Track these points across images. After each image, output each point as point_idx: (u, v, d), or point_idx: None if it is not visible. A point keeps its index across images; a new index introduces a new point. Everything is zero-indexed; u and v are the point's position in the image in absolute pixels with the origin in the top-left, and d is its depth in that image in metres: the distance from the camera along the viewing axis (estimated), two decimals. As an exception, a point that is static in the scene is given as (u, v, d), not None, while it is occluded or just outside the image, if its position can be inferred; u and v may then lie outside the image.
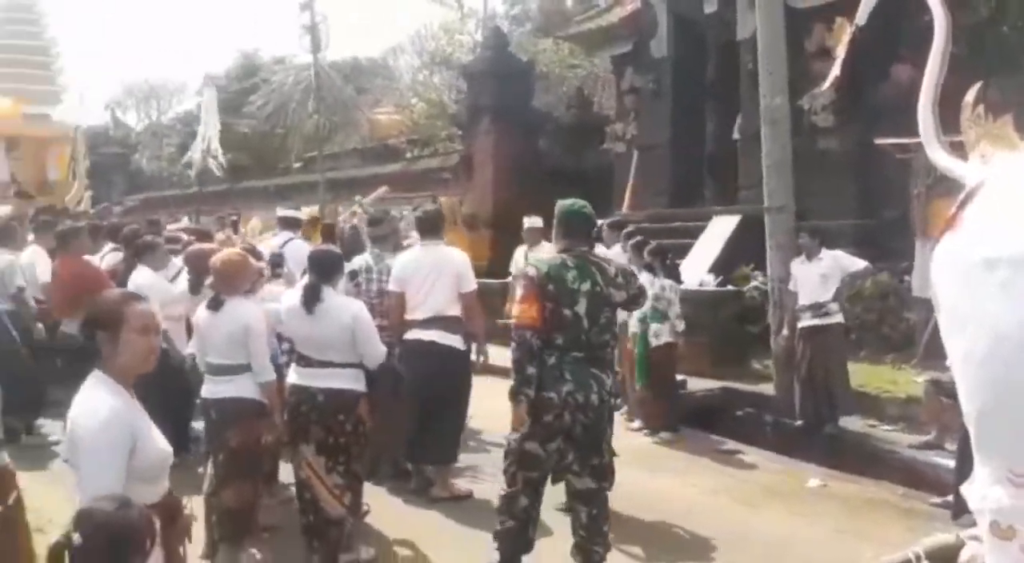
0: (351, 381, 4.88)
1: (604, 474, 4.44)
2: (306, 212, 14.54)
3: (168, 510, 2.71)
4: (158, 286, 6.43)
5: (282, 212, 9.00)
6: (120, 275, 7.21)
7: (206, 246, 6.59)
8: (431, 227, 6.46)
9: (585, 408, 4.28)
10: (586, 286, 4.32)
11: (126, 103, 41.01)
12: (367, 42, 52.36)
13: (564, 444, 4.32)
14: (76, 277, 7.41)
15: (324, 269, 4.97)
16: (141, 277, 6.62)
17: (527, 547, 4.52)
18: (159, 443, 2.71)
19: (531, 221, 8.78)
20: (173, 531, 2.72)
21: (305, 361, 4.91)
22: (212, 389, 4.87)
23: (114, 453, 2.54)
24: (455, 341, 6.19)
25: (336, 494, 4.79)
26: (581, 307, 4.29)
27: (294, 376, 4.96)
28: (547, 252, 6.23)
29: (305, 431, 4.82)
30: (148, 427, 2.69)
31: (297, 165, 23.32)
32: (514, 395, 4.34)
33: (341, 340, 4.84)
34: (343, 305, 4.96)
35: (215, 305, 4.84)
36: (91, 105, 21.70)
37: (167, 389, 5.27)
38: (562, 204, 4.65)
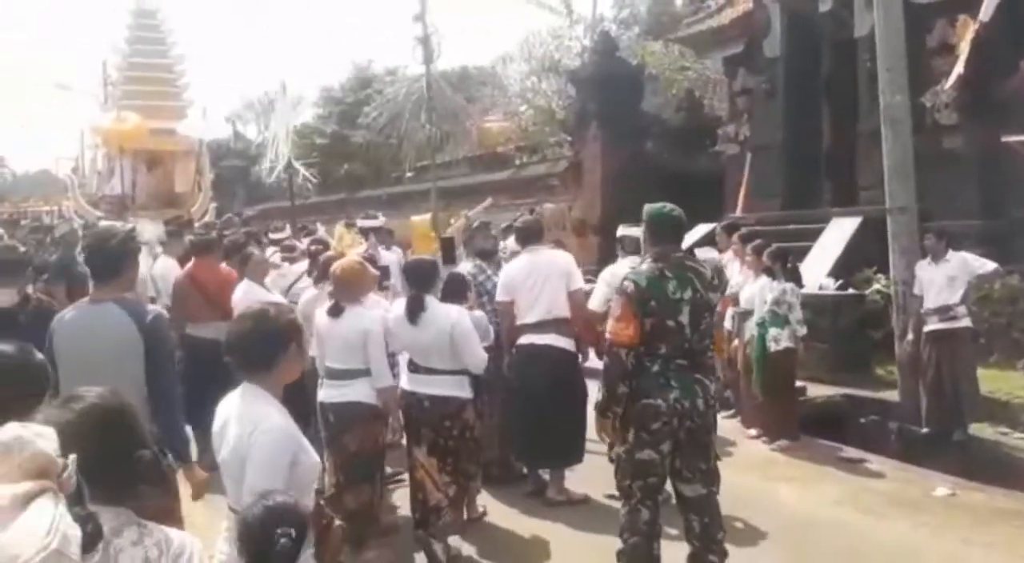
0: (455, 388, 5.01)
1: (712, 479, 4.39)
2: (416, 221, 14.87)
3: (320, 518, 2.80)
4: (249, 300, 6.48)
5: (362, 223, 9.15)
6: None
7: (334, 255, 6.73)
8: (530, 234, 6.53)
9: (692, 414, 4.24)
10: (687, 294, 4.23)
11: (246, 116, 42.53)
12: (476, 51, 53.07)
13: (672, 450, 4.28)
14: (213, 282, 7.32)
15: (423, 279, 5.13)
16: (239, 290, 6.54)
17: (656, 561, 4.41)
18: (313, 456, 2.79)
19: (626, 230, 7.27)
20: (327, 540, 2.82)
21: (413, 367, 5.09)
22: (330, 393, 5.00)
23: (284, 469, 2.64)
24: (568, 343, 6.22)
25: (442, 488, 4.96)
26: (684, 317, 4.21)
27: (405, 382, 5.12)
28: (624, 266, 6.16)
29: (417, 434, 5.02)
30: (303, 440, 2.77)
31: (409, 174, 23.74)
32: (602, 411, 4.33)
33: (442, 347, 4.97)
34: (444, 313, 5.05)
35: (335, 312, 4.97)
36: (213, 119, 22.72)
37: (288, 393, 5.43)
38: (649, 208, 4.49)
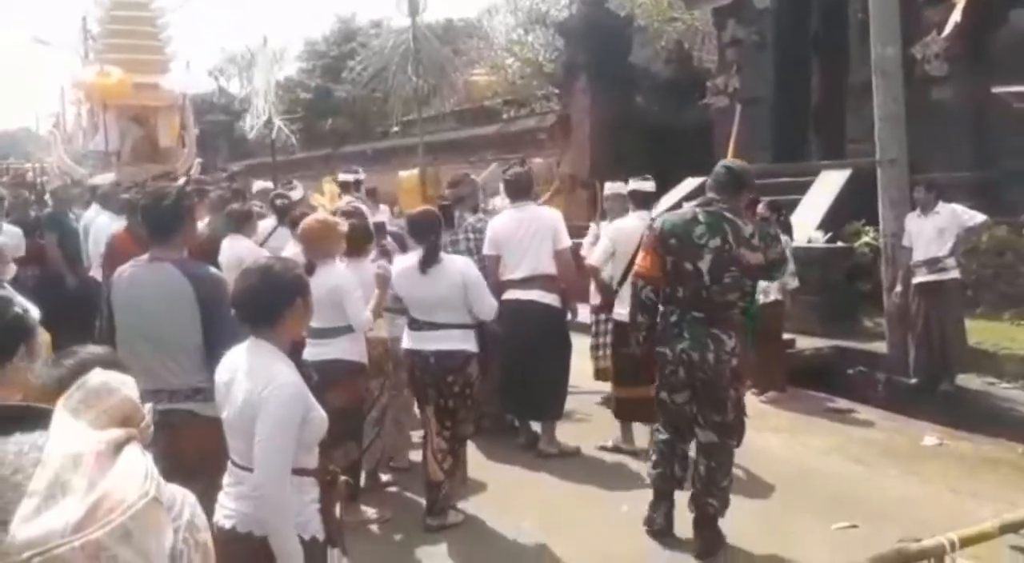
0: (461, 341, 4.98)
1: (728, 431, 4.52)
2: (404, 176, 14.78)
3: (325, 474, 2.84)
4: (257, 255, 6.42)
5: (342, 176, 9.02)
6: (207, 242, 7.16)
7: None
8: (521, 188, 6.50)
9: (700, 365, 4.37)
10: (715, 242, 4.33)
11: (229, 71, 41.99)
12: (461, 2, 52.34)
13: (690, 397, 4.49)
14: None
15: (431, 229, 5.04)
16: (241, 246, 6.48)
17: (673, 483, 4.70)
18: (320, 411, 2.78)
19: (613, 187, 7.16)
20: (331, 495, 2.84)
21: (416, 324, 5.03)
22: (312, 351, 4.88)
23: (295, 425, 2.65)
24: (553, 300, 6.24)
25: (438, 459, 4.93)
26: (704, 263, 4.33)
27: (407, 340, 5.07)
28: (633, 219, 6.21)
29: (424, 394, 5.02)
30: (311, 396, 2.77)
31: (396, 129, 23.58)
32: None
33: (452, 299, 4.93)
34: (448, 263, 5.03)
35: (308, 270, 4.88)
36: (197, 73, 22.38)
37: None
38: (721, 162, 4.81)
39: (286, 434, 2.63)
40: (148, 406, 0.69)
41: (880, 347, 8.40)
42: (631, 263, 5.85)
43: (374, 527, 5.00)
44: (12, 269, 5.32)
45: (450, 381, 4.93)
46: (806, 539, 4.72)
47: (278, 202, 7.76)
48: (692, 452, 4.69)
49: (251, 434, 2.67)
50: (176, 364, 3.66)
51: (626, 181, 6.73)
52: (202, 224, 7.72)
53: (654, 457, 4.75)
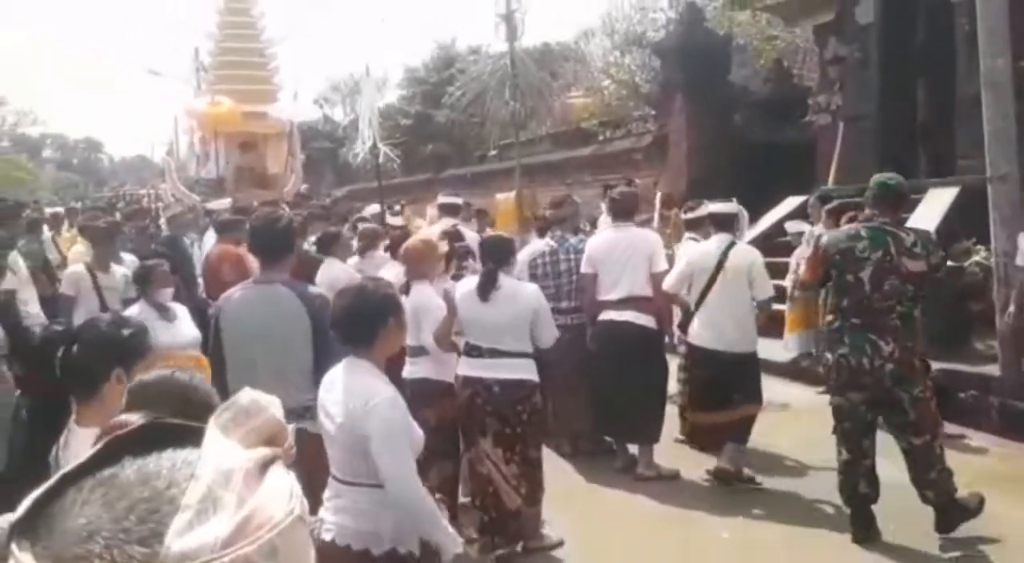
0: (525, 371, 4.86)
1: (917, 431, 4.78)
2: (499, 199, 14.92)
3: None
4: (352, 277, 6.48)
5: (442, 199, 9.13)
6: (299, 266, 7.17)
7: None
8: (624, 209, 6.51)
9: (857, 370, 4.70)
10: (876, 255, 4.68)
11: (333, 99, 43.14)
12: (558, 27, 52.67)
13: (866, 399, 4.80)
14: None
15: (499, 255, 4.96)
16: (335, 268, 6.59)
17: (865, 500, 4.94)
18: (417, 429, 2.92)
19: (720, 207, 6.48)
20: None
21: (477, 351, 4.87)
22: (408, 370, 4.97)
23: (406, 431, 2.80)
24: (648, 321, 6.21)
25: (513, 485, 4.81)
26: (865, 273, 4.67)
27: (464, 367, 4.91)
28: (714, 243, 6.22)
29: (482, 424, 4.79)
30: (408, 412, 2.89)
31: (493, 152, 23.82)
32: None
33: (515, 326, 4.81)
34: (518, 290, 4.94)
35: (404, 290, 4.90)
36: (303, 102, 23.15)
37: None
38: (875, 178, 5.06)
39: (403, 439, 2.76)
40: (291, 426, 0.73)
41: (993, 370, 8.06)
42: (708, 287, 5.87)
43: (471, 548, 5.02)
44: (170, 292, 5.55)
45: (519, 410, 4.81)
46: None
47: (359, 225, 7.96)
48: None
49: (353, 448, 2.78)
50: (288, 383, 3.75)
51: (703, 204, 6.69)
52: None
53: (839, 478, 4.99)
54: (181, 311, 5.30)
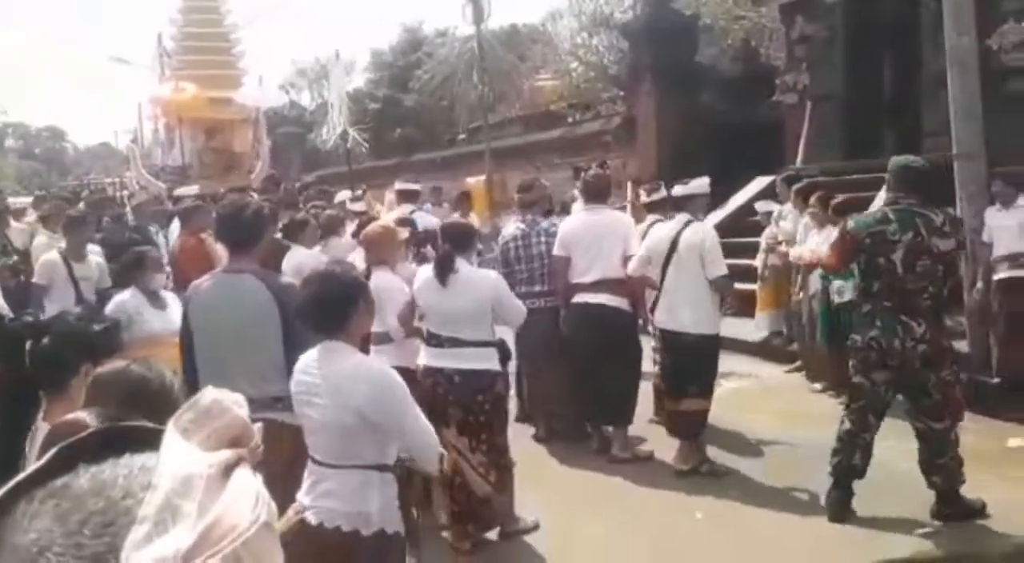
0: (485, 361, 4.79)
1: (938, 415, 4.83)
2: (470, 183, 14.88)
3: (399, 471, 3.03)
4: (317, 263, 6.28)
5: (400, 185, 9.08)
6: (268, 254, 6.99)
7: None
8: (597, 192, 6.49)
9: (888, 352, 4.73)
10: (907, 237, 4.69)
11: (299, 84, 42.71)
12: (525, 8, 52.51)
13: (889, 380, 4.84)
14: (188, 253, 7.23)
15: (457, 240, 4.88)
16: (300, 255, 6.49)
17: (852, 472, 4.99)
18: None
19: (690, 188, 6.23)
20: (407, 492, 3.04)
21: (436, 340, 4.80)
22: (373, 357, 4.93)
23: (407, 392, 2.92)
24: (622, 303, 6.21)
25: (482, 473, 4.76)
26: (897, 256, 4.69)
27: (425, 357, 4.84)
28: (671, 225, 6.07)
29: (444, 413, 4.68)
30: None
31: (462, 136, 23.73)
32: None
33: (474, 315, 4.73)
34: (476, 277, 4.85)
35: (366, 275, 4.91)
36: (268, 87, 22.86)
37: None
38: (895, 160, 5.07)
39: (413, 409, 2.86)
40: (258, 425, 0.69)
41: (961, 346, 8.12)
42: (664, 268, 5.85)
43: (445, 533, 4.99)
44: (162, 278, 5.45)
45: (480, 400, 4.75)
46: (893, 542, 4.63)
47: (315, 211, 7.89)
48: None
49: (342, 428, 2.81)
50: (257, 374, 3.71)
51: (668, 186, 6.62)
52: None
53: (835, 445, 5.02)
54: (171, 298, 5.21)
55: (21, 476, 0.62)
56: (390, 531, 2.83)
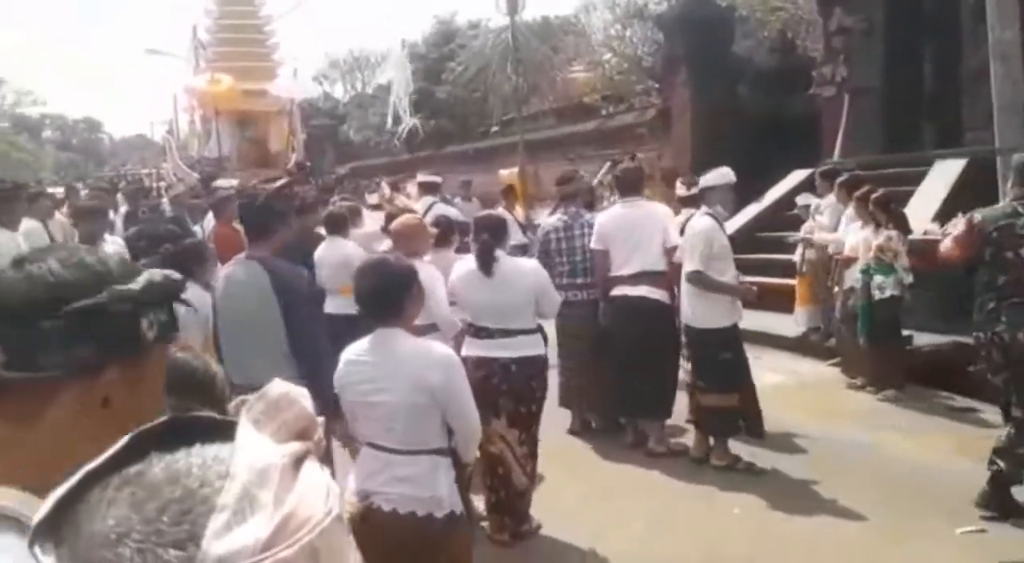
0: (538, 347, 4.83)
1: None
2: (503, 175, 14.87)
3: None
4: (361, 255, 6.32)
5: (421, 177, 9.12)
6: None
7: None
8: (631, 184, 6.45)
9: (1012, 345, 4.71)
10: None
11: (332, 76, 42.96)
12: (559, 0, 52.30)
13: (1008, 379, 4.85)
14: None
15: (494, 231, 4.86)
16: (346, 247, 6.47)
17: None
18: None
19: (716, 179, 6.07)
20: (463, 473, 3.24)
21: (486, 332, 4.78)
22: None
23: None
24: (662, 296, 6.17)
25: (522, 464, 4.80)
26: None
27: (476, 349, 4.80)
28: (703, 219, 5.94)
29: (495, 405, 4.66)
30: None
31: (495, 128, 23.70)
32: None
33: (520, 305, 4.74)
34: (518, 267, 4.86)
35: None
36: (302, 79, 22.89)
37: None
38: (1019, 156, 5.08)
39: (468, 387, 3.03)
40: (322, 418, 0.70)
41: (1003, 343, 8.04)
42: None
43: (484, 523, 4.99)
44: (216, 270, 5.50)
45: (533, 387, 4.81)
46: (929, 544, 4.57)
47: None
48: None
49: (415, 412, 2.91)
50: (264, 359, 3.79)
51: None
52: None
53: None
54: None
55: (93, 463, 0.63)
56: (458, 512, 2.96)
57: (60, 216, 9.44)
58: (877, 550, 4.59)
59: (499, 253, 4.76)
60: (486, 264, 4.71)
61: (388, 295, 2.98)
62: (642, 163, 7.70)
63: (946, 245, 5.14)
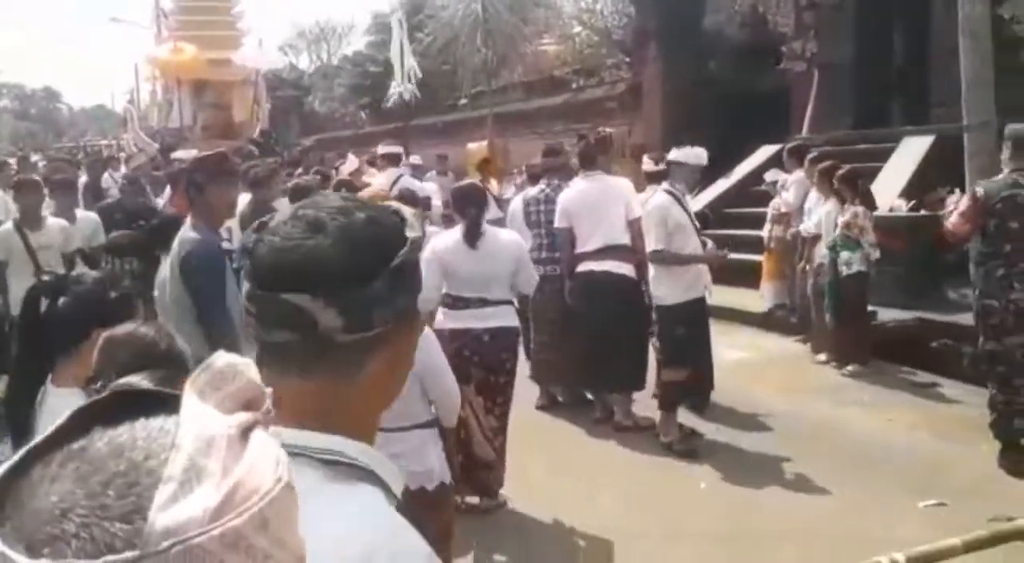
0: (510, 318, 4.89)
1: None
2: (473, 149, 14.76)
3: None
4: None
5: (383, 149, 9.04)
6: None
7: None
8: (591, 158, 6.41)
9: None
10: None
11: (298, 46, 42.39)
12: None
13: (1020, 347, 5.03)
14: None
15: (473, 203, 4.84)
16: None
17: (1016, 433, 5.19)
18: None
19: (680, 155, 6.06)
20: (449, 442, 3.37)
21: (463, 303, 4.78)
22: None
23: None
24: (628, 270, 6.14)
25: (489, 437, 4.81)
26: None
27: (450, 320, 4.79)
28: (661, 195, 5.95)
29: (466, 373, 4.62)
30: None
31: (464, 101, 23.50)
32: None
33: (501, 275, 4.77)
34: (500, 238, 4.90)
35: None
36: (268, 49, 22.41)
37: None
38: (1014, 128, 5.37)
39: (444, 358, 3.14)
40: (269, 390, 0.66)
41: (966, 319, 8.06)
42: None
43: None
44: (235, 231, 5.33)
45: (504, 358, 4.84)
46: (892, 517, 4.59)
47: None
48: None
49: (408, 392, 2.87)
50: (181, 333, 3.67)
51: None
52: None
53: (993, 415, 5.27)
54: None
55: (36, 440, 0.61)
56: (448, 483, 3.02)
57: None
58: (841, 523, 4.60)
59: (484, 225, 4.79)
60: (473, 237, 4.73)
61: None
62: (610, 137, 7.60)
63: (953, 221, 5.34)
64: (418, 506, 2.88)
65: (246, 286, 1.07)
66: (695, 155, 5.98)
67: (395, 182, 7.93)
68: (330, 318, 1.02)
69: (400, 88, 15.42)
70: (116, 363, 1.88)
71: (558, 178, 6.71)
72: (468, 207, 4.81)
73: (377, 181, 8.30)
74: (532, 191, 6.89)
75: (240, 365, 0.67)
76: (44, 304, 2.48)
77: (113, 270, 5.84)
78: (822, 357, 7.67)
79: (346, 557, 0.95)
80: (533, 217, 6.56)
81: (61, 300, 2.47)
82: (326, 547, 0.81)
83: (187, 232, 3.85)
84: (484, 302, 4.77)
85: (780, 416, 6.30)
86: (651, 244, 5.76)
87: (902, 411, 6.42)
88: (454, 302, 4.84)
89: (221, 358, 0.67)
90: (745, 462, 5.51)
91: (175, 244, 3.80)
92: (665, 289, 5.81)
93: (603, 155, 6.59)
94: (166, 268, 3.93)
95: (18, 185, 6.45)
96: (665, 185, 5.93)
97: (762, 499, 4.96)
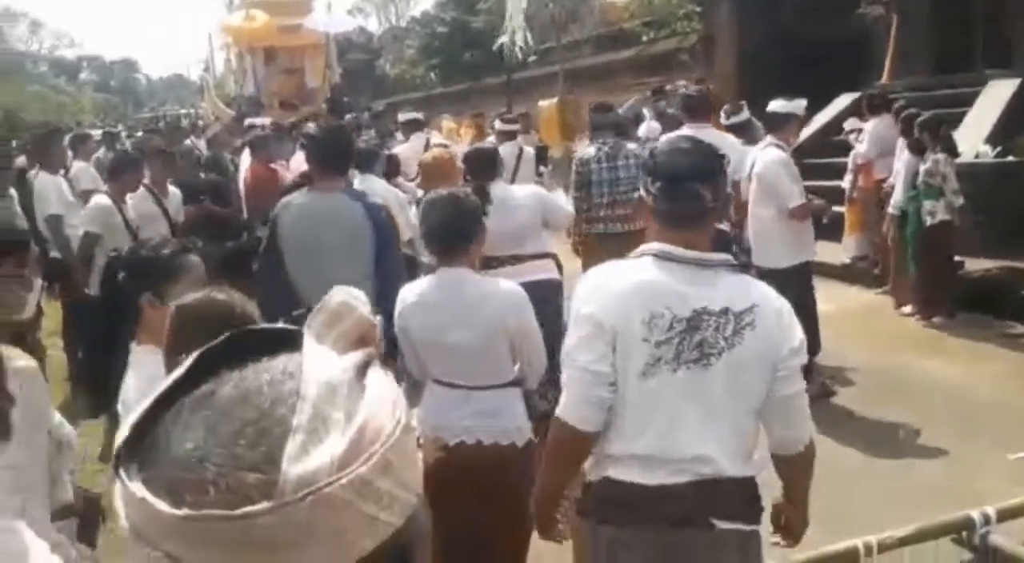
0: (549, 270, 4.89)
1: None
2: (543, 106, 14.67)
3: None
4: (392, 192, 5.97)
5: (403, 116, 9.02)
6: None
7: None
8: (697, 108, 6.23)
9: None
10: None
11: (367, 8, 42.46)
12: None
13: None
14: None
15: (484, 167, 4.85)
16: (378, 185, 6.05)
17: None
18: None
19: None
20: (527, 402, 3.25)
21: (496, 262, 4.70)
22: None
23: None
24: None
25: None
26: None
27: None
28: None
29: None
30: None
31: (533, 58, 23.30)
32: None
33: (527, 226, 4.78)
34: (516, 192, 4.91)
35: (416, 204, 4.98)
36: (337, 13, 22.42)
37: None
38: None
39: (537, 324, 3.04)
40: (379, 318, 0.70)
41: None
42: None
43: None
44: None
45: (546, 312, 4.81)
46: (981, 470, 4.55)
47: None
48: None
49: (495, 350, 2.95)
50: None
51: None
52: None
53: None
54: None
55: (165, 385, 0.63)
56: (536, 439, 3.01)
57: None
58: (928, 476, 4.57)
59: (494, 187, 4.66)
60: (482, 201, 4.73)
61: (459, 231, 2.95)
62: (709, 89, 7.40)
63: None
64: (509, 461, 2.96)
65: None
66: (796, 105, 5.85)
67: (426, 146, 8.01)
68: None
69: (512, 36, 15.28)
70: (197, 331, 1.93)
71: (607, 136, 6.57)
72: (473, 173, 4.83)
73: (402, 148, 8.34)
74: (590, 150, 6.76)
75: (353, 300, 0.68)
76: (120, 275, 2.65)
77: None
78: (907, 309, 7.53)
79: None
80: (595, 175, 6.32)
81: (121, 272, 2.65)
82: None
83: (368, 197, 4.11)
84: (517, 258, 4.79)
85: (863, 369, 6.24)
86: (788, 200, 5.59)
87: (989, 363, 6.30)
88: (487, 263, 4.73)
89: (336, 296, 0.68)
90: (828, 415, 5.47)
91: (358, 206, 3.91)
92: (778, 251, 5.65)
93: (709, 107, 6.43)
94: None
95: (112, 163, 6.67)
96: (771, 139, 5.81)
97: (846, 452, 4.95)
